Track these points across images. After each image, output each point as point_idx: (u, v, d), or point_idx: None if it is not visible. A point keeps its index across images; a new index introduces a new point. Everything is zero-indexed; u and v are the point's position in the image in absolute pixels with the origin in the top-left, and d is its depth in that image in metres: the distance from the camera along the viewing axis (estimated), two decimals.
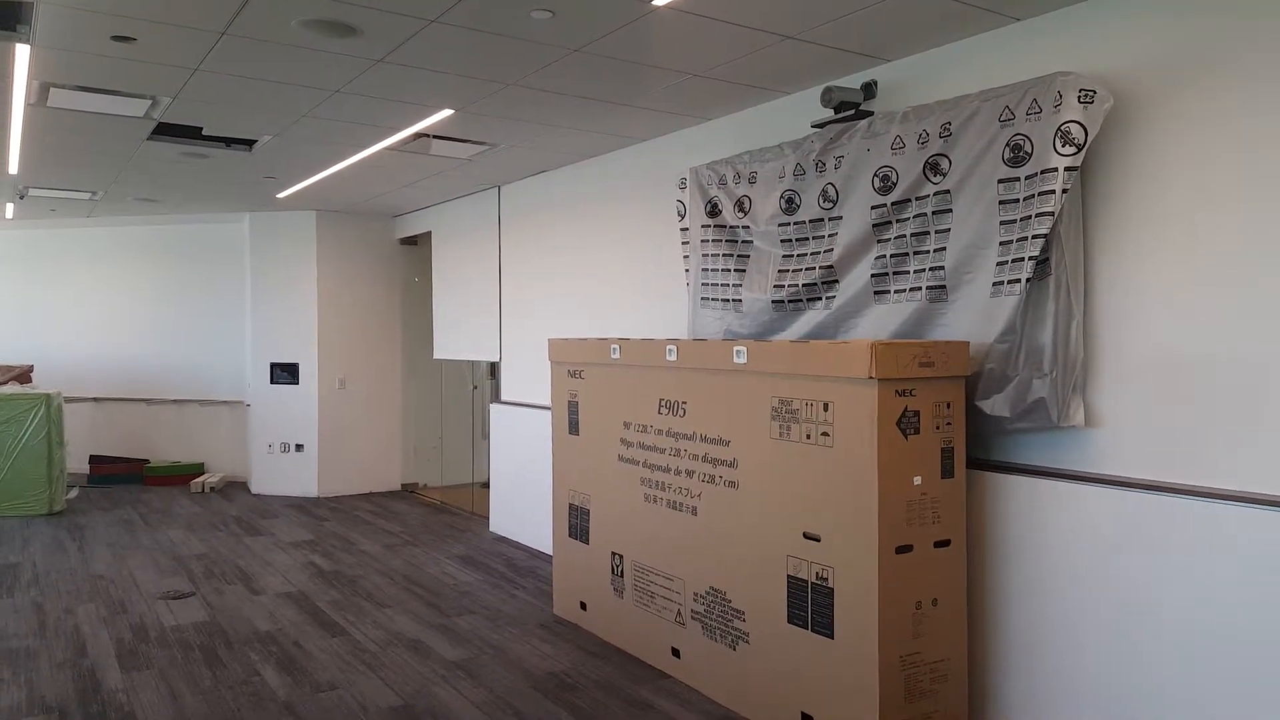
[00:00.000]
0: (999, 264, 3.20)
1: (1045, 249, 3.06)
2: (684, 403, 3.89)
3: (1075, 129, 2.95)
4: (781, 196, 4.05)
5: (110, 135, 5.26)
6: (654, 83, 4.15)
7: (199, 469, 9.20)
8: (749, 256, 4.26)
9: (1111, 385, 3.03)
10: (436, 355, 8.12)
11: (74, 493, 8.45)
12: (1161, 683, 2.86)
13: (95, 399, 9.29)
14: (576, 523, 4.70)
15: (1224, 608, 2.72)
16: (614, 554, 4.38)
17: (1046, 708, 3.18)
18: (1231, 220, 2.73)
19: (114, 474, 9.06)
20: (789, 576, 3.34)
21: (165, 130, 5.16)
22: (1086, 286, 3.10)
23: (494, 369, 7.36)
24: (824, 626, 3.20)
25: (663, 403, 4.02)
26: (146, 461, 9.20)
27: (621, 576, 4.33)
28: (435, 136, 5.28)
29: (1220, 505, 2.73)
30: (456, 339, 7.77)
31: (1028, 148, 3.08)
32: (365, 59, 3.84)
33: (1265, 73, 2.64)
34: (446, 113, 4.71)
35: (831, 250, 3.81)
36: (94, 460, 9.10)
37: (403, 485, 8.85)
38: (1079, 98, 2.94)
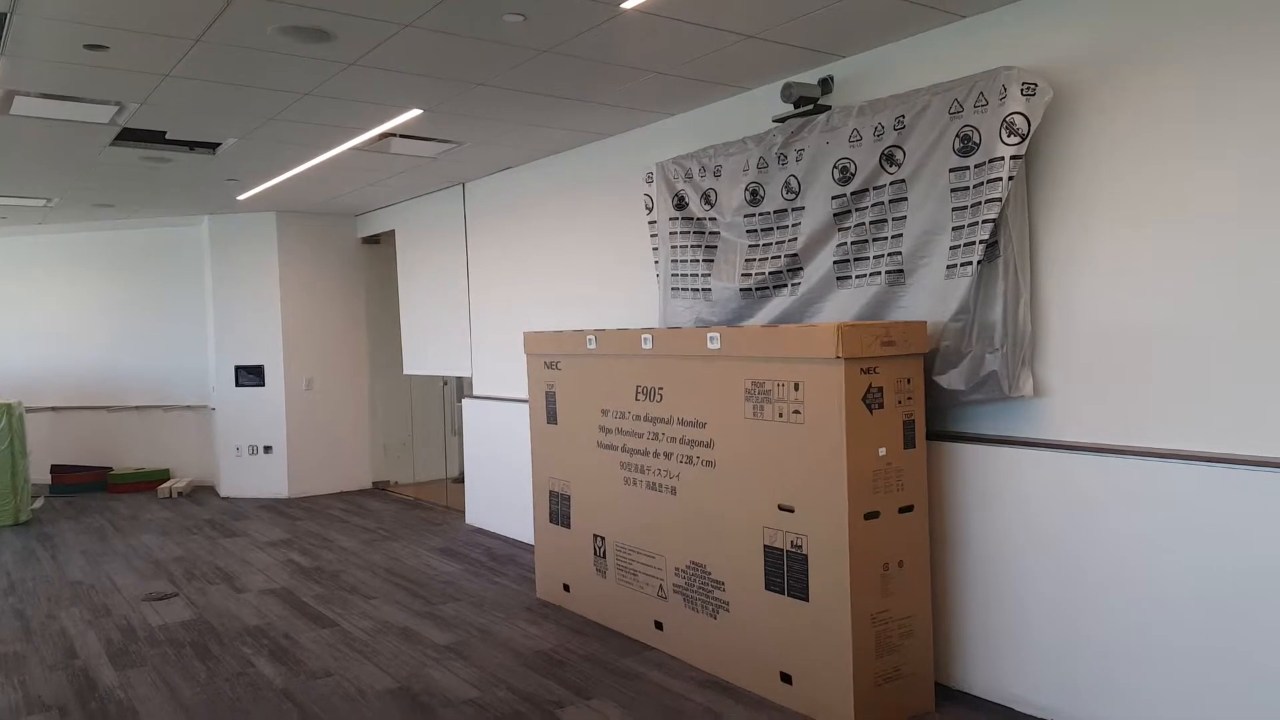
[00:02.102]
0: (952, 248, 3.43)
1: (994, 233, 3.29)
2: (660, 388, 4.07)
3: (1019, 120, 3.18)
4: (746, 189, 4.25)
5: (72, 142, 5.26)
6: (620, 81, 4.31)
7: (165, 475, 9.14)
8: (716, 247, 4.45)
9: (1057, 357, 3.28)
10: (407, 370, 8.17)
11: (39, 502, 8.36)
12: (1106, 630, 3.12)
13: (54, 408, 9.17)
14: (557, 509, 4.85)
15: (1164, 558, 2.98)
16: (596, 536, 4.55)
17: (1002, 656, 3.43)
18: (1164, 200, 2.98)
19: (77, 483, 8.97)
20: (765, 546, 3.54)
21: (128, 135, 5.18)
22: (1032, 266, 3.34)
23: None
24: (799, 591, 3.41)
25: (639, 389, 4.20)
26: (109, 469, 9.12)
27: (604, 557, 4.50)
28: (402, 135, 5.38)
29: (1158, 463, 2.99)
30: (426, 351, 7.81)
31: (976, 138, 3.31)
32: (338, 62, 3.94)
33: (1192, 61, 2.89)
34: (415, 113, 4.81)
35: (795, 239, 4.01)
36: (55, 470, 8.99)
37: (374, 483, 8.91)
38: (1022, 90, 3.17)
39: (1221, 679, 2.84)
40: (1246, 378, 2.79)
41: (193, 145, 5.52)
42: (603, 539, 4.51)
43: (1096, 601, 3.16)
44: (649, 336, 4.10)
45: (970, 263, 3.34)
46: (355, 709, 3.58)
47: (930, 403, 3.53)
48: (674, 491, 4.02)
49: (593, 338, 4.48)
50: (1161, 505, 2.98)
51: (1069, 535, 3.23)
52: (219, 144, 5.51)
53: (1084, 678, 3.19)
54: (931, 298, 3.52)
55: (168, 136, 5.28)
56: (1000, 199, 3.24)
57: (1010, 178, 3.22)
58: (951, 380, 3.45)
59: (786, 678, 3.49)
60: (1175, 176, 2.94)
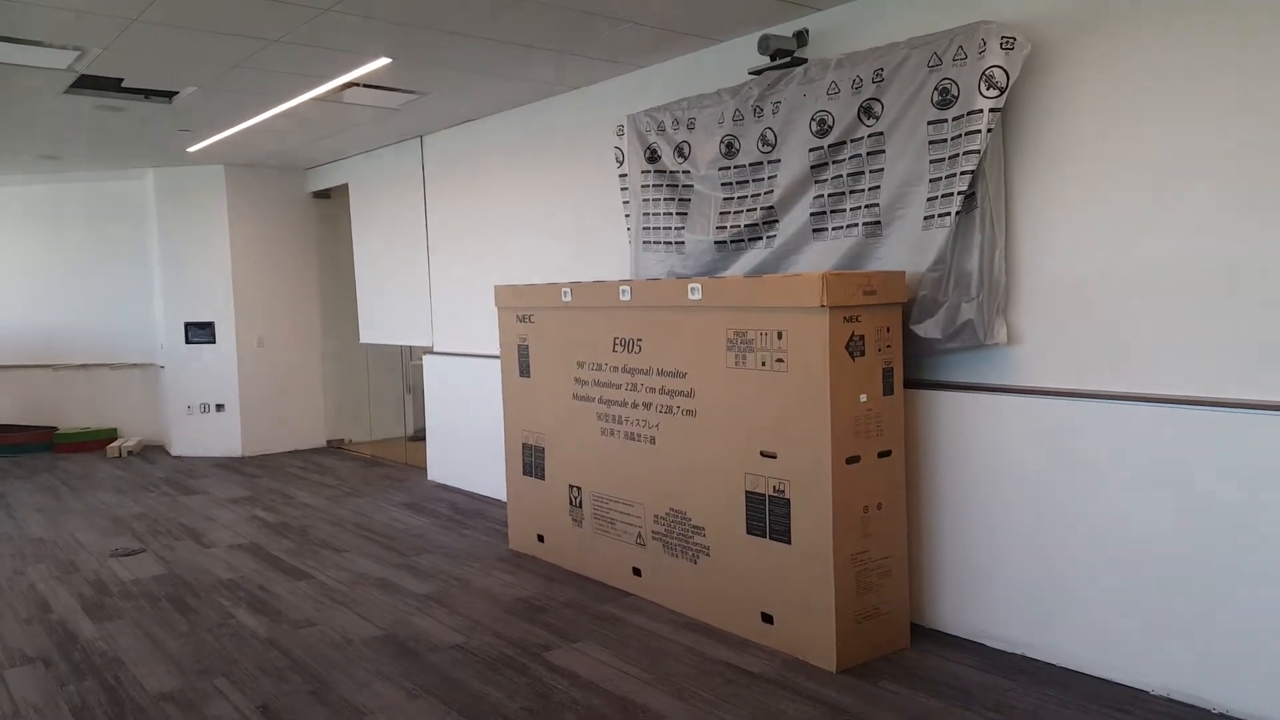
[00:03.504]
0: (929, 199, 3.52)
1: (972, 184, 3.39)
2: (639, 340, 4.11)
3: (998, 73, 3.26)
4: (721, 141, 4.27)
5: (24, 89, 5.03)
6: (596, 30, 4.27)
7: (112, 434, 8.91)
8: (690, 200, 4.48)
9: (1030, 305, 3.42)
10: (364, 339, 8.06)
11: None
12: (1077, 569, 3.30)
13: None
14: (531, 461, 4.89)
15: (1132, 498, 3.15)
16: (572, 487, 4.61)
17: (975, 595, 3.60)
18: (1134, 153, 3.10)
19: (20, 443, 8.70)
20: (747, 492, 3.64)
21: (83, 83, 4.97)
22: (1008, 217, 3.46)
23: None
24: (781, 534, 3.52)
25: (617, 341, 4.24)
26: (55, 429, 8.85)
27: (580, 507, 4.56)
28: (365, 85, 5.25)
29: (1127, 405, 3.15)
30: (384, 318, 7.69)
31: (955, 91, 3.38)
32: (313, 8, 3.83)
33: (1165, 16, 3.00)
34: (383, 61, 4.71)
35: (772, 192, 4.07)
36: None
37: (329, 441, 8.82)
38: (1001, 44, 3.25)
39: (1190, 617, 3.04)
40: (1211, 324, 2.94)
41: (149, 93, 5.32)
42: (579, 489, 4.57)
43: (1067, 541, 3.33)
44: (627, 289, 4.13)
45: (948, 214, 3.44)
46: (344, 655, 3.61)
47: (908, 351, 3.64)
48: (653, 441, 4.09)
49: (568, 290, 4.50)
50: (1130, 447, 3.15)
51: (1041, 478, 3.39)
52: (176, 92, 5.32)
53: (1055, 615, 3.37)
54: (908, 249, 3.61)
55: (124, 84, 5.08)
56: (979, 151, 3.33)
57: (989, 130, 3.31)
58: (928, 329, 3.56)
59: (768, 618, 3.61)
60: (1147, 130, 3.06)
